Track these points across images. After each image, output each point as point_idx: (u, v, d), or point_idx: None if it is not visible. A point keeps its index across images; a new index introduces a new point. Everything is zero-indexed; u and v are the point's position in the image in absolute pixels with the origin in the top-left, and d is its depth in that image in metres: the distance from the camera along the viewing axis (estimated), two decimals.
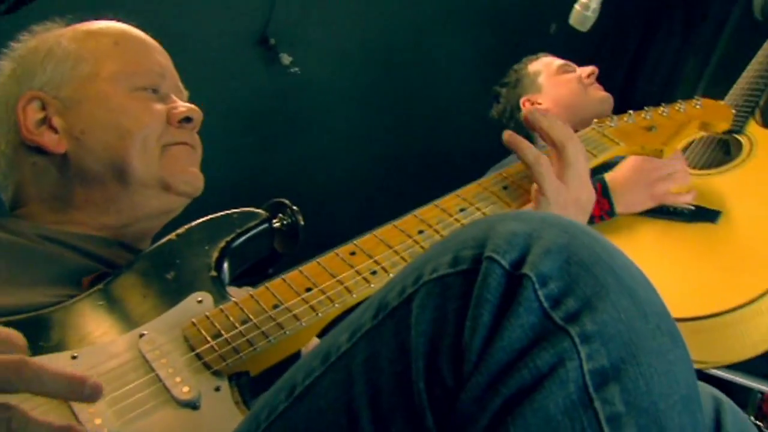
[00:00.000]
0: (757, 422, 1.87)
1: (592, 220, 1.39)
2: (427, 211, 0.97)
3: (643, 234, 1.45)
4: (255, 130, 2.63)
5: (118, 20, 1.17)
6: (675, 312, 1.14)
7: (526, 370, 0.54)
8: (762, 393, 1.86)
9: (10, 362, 0.67)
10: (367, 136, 2.91)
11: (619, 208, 1.46)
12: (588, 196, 0.98)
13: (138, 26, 1.17)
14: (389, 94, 2.90)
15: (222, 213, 0.99)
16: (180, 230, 0.98)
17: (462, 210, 0.97)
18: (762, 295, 1.28)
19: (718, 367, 1.49)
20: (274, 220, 1.00)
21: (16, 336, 0.73)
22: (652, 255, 1.41)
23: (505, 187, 1.00)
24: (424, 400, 0.57)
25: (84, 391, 0.70)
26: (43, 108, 1.07)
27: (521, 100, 2.11)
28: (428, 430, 0.57)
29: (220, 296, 0.91)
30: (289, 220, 0.99)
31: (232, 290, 1.01)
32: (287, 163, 2.74)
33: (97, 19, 1.16)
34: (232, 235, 0.97)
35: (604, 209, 1.43)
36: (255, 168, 2.66)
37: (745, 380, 1.54)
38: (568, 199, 0.96)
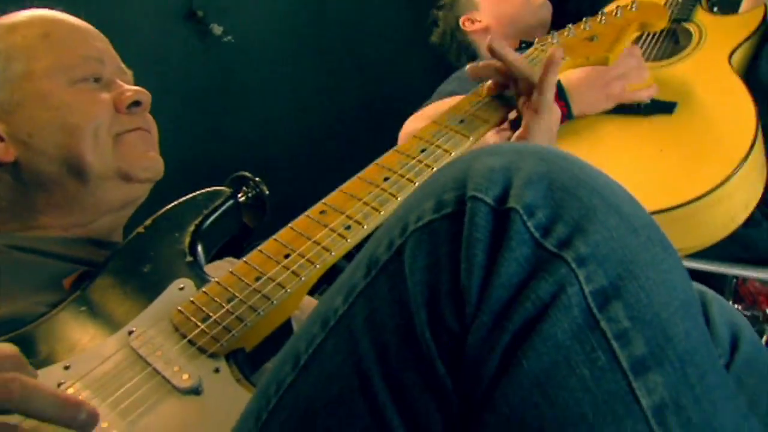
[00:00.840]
0: (737, 306, 1.92)
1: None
2: (389, 158, 0.97)
3: (603, 133, 1.46)
4: (200, 106, 2.60)
5: (43, 7, 1.11)
6: (647, 206, 1.16)
7: (529, 303, 0.54)
8: (736, 277, 1.90)
9: (2, 380, 0.64)
10: (314, 94, 2.89)
11: (575, 110, 1.46)
12: (557, 117, 0.99)
13: (64, 10, 1.11)
14: (328, 46, 2.88)
15: (186, 197, 0.98)
16: (147, 222, 0.96)
17: (423, 150, 0.97)
18: (724, 181, 1.30)
19: (690, 259, 1.51)
20: (239, 195, 0.99)
21: (10, 348, 0.69)
22: (615, 152, 1.42)
23: (461, 121, 1.00)
24: (432, 350, 0.57)
25: (79, 417, 0.67)
26: None
27: (461, 20, 2.09)
28: (441, 377, 0.57)
29: (201, 279, 0.90)
30: (254, 192, 0.99)
31: (213, 266, 1.01)
32: (238, 134, 2.71)
33: (19, 8, 1.10)
34: (200, 218, 0.96)
35: (561, 112, 1.44)
36: (207, 143, 2.63)
37: (718, 267, 1.57)
38: (551, 122, 0.99)
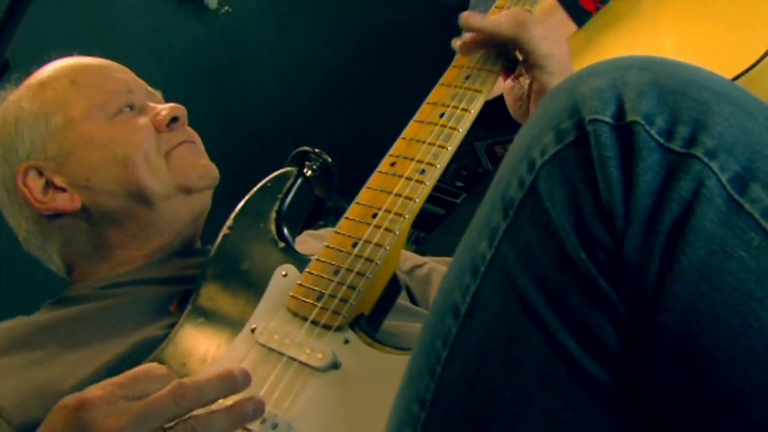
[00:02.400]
0: None
1: (590, 15, 1.38)
2: (437, 93, 0.98)
3: (644, 14, 1.43)
4: (212, 83, 2.59)
5: (61, 57, 1.15)
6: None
7: (674, 203, 0.56)
8: None
9: (171, 392, 0.71)
10: (323, 50, 2.87)
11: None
12: (562, 51, 0.99)
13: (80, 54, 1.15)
14: (326, 10, 2.84)
15: (256, 187, 1.00)
16: (228, 222, 0.98)
17: (467, 77, 0.98)
18: None
19: None
20: (305, 170, 1.00)
21: (156, 367, 0.75)
22: (668, 27, 1.40)
23: (467, 77, 1.00)
24: (591, 268, 0.59)
25: (238, 381, 0.74)
26: (41, 174, 1.07)
27: None
28: (605, 292, 0.59)
29: (300, 261, 0.93)
30: (318, 163, 1.00)
31: (305, 237, 1.03)
32: (255, 103, 2.71)
33: (43, 58, 1.14)
34: (278, 203, 0.98)
35: (588, 11, 1.41)
36: (227, 118, 2.64)
37: None
38: (563, 54, 0.99)
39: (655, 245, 0.57)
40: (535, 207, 0.62)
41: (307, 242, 1.08)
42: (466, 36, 1.03)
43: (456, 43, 1.03)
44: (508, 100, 1.08)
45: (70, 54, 1.16)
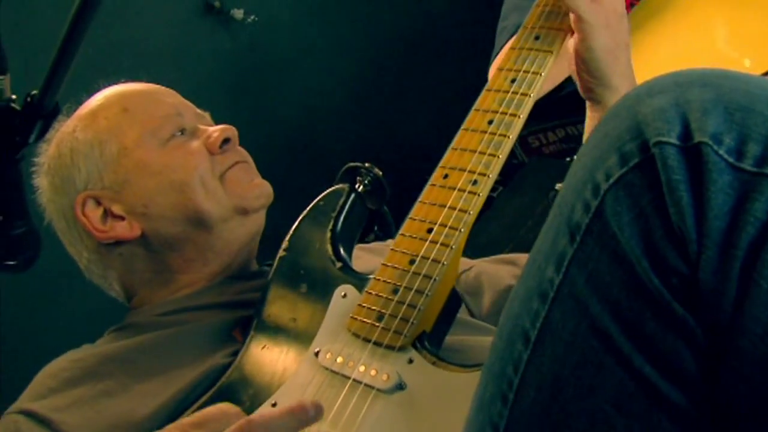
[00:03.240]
0: None
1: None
2: (484, 100, 0.97)
3: (679, 3, 1.41)
4: (245, 92, 2.61)
5: (108, 84, 1.16)
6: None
7: (749, 226, 0.55)
8: None
9: (239, 429, 0.72)
10: (353, 58, 2.86)
11: None
12: (620, 1, 0.97)
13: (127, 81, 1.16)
14: (352, 8, 2.83)
15: (309, 207, 1.00)
16: (284, 244, 0.99)
17: (513, 81, 0.96)
18: None
19: None
20: (356, 186, 1.00)
21: (228, 407, 0.78)
22: (709, 18, 1.37)
23: (536, 38, 0.99)
24: (665, 294, 0.58)
25: (309, 413, 0.76)
26: (99, 203, 1.08)
27: None
28: (680, 317, 0.58)
29: (358, 280, 0.93)
30: (369, 178, 1.00)
31: (357, 251, 1.03)
32: (289, 109, 2.71)
33: (92, 86, 1.15)
34: (332, 222, 0.98)
35: None
36: (262, 126, 2.65)
37: None
38: (608, 13, 0.96)
39: (731, 269, 0.55)
40: (602, 232, 0.61)
41: (361, 257, 1.08)
42: None
43: None
44: (567, 54, 1.06)
45: (115, 80, 1.17)
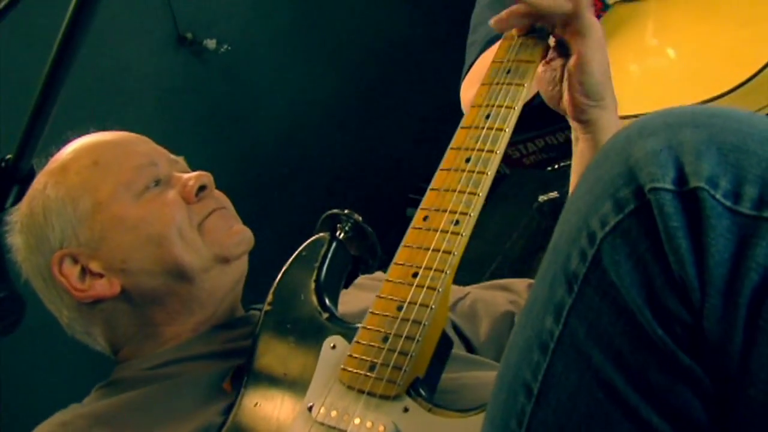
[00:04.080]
0: None
1: None
2: (460, 138, 0.96)
3: (648, 17, 1.40)
4: (222, 122, 2.61)
5: (76, 135, 1.14)
6: (731, 82, 1.12)
7: (752, 272, 0.54)
8: None
9: None
10: (328, 81, 2.87)
11: None
12: (600, 28, 0.99)
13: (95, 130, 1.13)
14: (320, 28, 2.84)
15: (291, 259, 0.99)
16: (268, 298, 0.98)
17: (488, 116, 0.96)
18: None
19: None
20: (337, 234, 0.99)
21: None
22: (677, 29, 1.37)
23: (508, 72, 0.99)
24: (669, 344, 0.57)
25: None
26: (76, 261, 1.05)
27: None
28: (686, 367, 0.57)
29: (347, 330, 0.92)
30: (349, 224, 0.99)
31: (346, 294, 1.02)
32: (266, 135, 2.72)
33: (61, 137, 1.12)
34: (315, 272, 0.97)
35: (598, 8, 1.38)
36: (239, 153, 2.65)
37: None
38: (600, 32, 0.99)
39: (736, 317, 0.55)
40: (601, 281, 0.60)
41: (348, 293, 1.07)
42: (505, 12, 1.02)
43: (494, 21, 1.02)
44: (540, 87, 1.07)
45: (85, 129, 1.14)
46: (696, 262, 0.56)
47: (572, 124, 1.08)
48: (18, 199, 0.90)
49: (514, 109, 0.95)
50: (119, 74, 2.28)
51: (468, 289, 1.22)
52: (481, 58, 1.57)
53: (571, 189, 1.09)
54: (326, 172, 2.93)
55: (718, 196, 0.55)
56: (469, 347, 1.12)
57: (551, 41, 1.02)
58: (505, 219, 2.69)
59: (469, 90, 1.59)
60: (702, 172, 0.56)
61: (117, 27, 2.21)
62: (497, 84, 0.98)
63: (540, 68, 1.04)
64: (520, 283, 1.19)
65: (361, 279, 1.19)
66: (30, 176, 0.90)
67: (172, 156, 1.15)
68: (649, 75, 1.35)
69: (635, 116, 1.25)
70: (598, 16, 1.37)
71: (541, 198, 2.01)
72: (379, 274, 1.21)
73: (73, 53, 0.79)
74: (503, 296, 1.17)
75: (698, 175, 0.56)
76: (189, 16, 2.40)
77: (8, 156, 0.85)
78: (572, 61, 1.00)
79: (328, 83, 2.89)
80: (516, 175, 2.39)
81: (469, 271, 1.27)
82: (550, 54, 1.04)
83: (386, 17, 3.00)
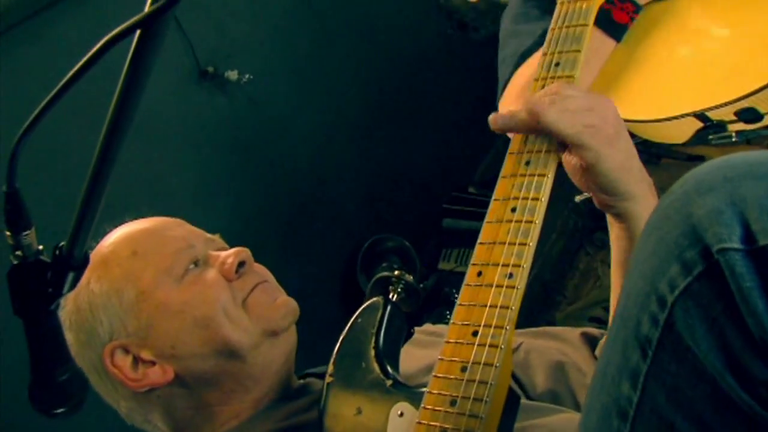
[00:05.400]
0: None
1: (626, 27, 1.33)
2: (501, 188, 0.95)
3: (686, 13, 1.36)
4: (253, 153, 2.61)
5: (111, 228, 1.14)
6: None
7: None
8: None
9: None
10: (353, 102, 2.87)
11: None
12: (612, 107, 0.95)
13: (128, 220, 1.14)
14: (339, 44, 2.84)
15: (347, 328, 0.98)
16: (329, 369, 0.97)
17: (528, 163, 0.95)
18: None
19: None
20: (390, 296, 0.99)
21: None
22: (713, 29, 1.33)
23: (527, 163, 0.95)
24: (755, 407, 0.56)
25: None
26: (127, 351, 1.06)
27: None
28: None
29: (413, 396, 0.91)
30: (401, 285, 0.99)
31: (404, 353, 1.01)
32: (298, 162, 2.72)
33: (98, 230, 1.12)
34: (373, 339, 0.96)
35: (631, 10, 1.35)
36: (264, 188, 2.65)
37: None
38: (606, 128, 0.93)
39: None
40: (676, 346, 0.59)
41: (406, 351, 1.06)
42: (503, 114, 0.98)
43: (491, 119, 0.98)
44: (568, 169, 1.03)
45: (120, 219, 1.15)
46: None
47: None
48: (73, 285, 0.89)
49: (541, 200, 0.93)
50: (145, 117, 2.28)
51: (518, 338, 1.19)
52: (516, 75, 1.55)
53: (612, 268, 1.05)
54: (360, 190, 2.92)
55: None
56: (526, 396, 1.11)
57: None
58: (543, 222, 2.69)
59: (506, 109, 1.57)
60: None
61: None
62: (519, 176, 0.94)
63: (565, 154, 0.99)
64: (572, 333, 1.17)
65: (417, 335, 1.18)
66: (85, 263, 0.90)
67: (208, 235, 1.15)
68: (698, 62, 1.31)
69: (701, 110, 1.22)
70: (631, 19, 1.35)
71: (577, 198, 1.98)
72: (428, 326, 1.20)
73: (120, 143, 0.78)
74: (555, 346, 1.16)
75: (766, 231, 0.55)
76: (208, 49, 2.40)
77: (62, 243, 0.84)
78: (580, 164, 0.95)
79: (353, 99, 2.89)
80: None
81: None
82: None
83: (408, 25, 2.99)
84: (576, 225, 2.42)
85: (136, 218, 1.16)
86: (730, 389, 0.57)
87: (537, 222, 0.91)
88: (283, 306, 1.09)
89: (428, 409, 0.87)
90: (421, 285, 2.94)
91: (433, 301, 2.90)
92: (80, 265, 0.86)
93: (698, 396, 0.58)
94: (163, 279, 1.06)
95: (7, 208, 0.78)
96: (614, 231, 1.02)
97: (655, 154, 1.72)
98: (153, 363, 1.05)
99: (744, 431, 0.57)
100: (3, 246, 0.82)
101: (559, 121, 0.92)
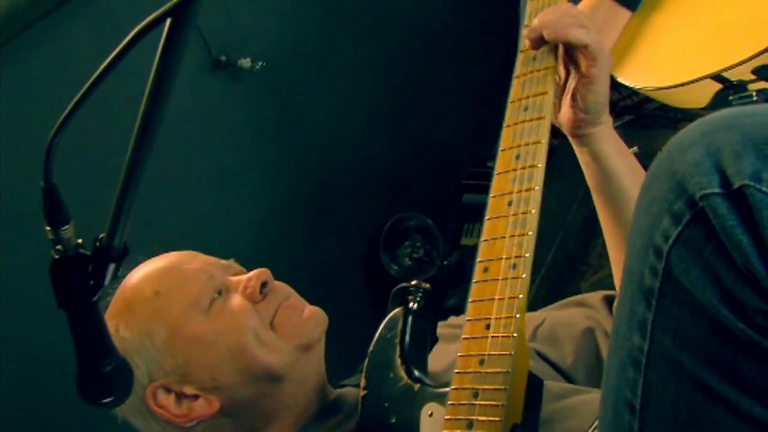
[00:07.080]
0: None
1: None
2: (498, 184, 0.99)
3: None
4: (271, 140, 2.62)
5: (126, 271, 1.15)
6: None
7: None
8: None
9: None
10: (366, 85, 2.88)
11: None
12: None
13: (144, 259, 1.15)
14: (356, 31, 2.85)
15: (373, 341, 1.02)
16: (362, 383, 1.02)
17: (517, 157, 0.99)
18: None
19: None
20: (410, 305, 1.03)
21: None
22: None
23: (525, 109, 1.01)
24: (753, 335, 0.60)
25: None
26: (169, 390, 1.08)
27: None
28: None
29: (439, 396, 0.95)
30: (420, 294, 1.03)
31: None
32: (315, 148, 2.73)
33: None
34: (398, 348, 1.01)
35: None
36: (285, 174, 2.65)
37: None
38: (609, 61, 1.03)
39: None
40: (676, 291, 0.63)
41: (439, 348, 1.10)
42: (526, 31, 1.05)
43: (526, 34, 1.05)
44: (560, 87, 1.09)
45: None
46: (759, 253, 0.59)
47: (569, 138, 1.11)
48: (114, 276, 0.87)
49: (542, 143, 0.98)
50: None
51: (543, 314, 1.23)
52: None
53: (593, 196, 1.14)
54: (379, 171, 2.93)
55: (764, 189, 0.59)
56: (558, 371, 1.14)
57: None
58: (562, 191, 2.68)
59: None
60: (744, 170, 0.60)
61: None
62: (519, 123, 1.00)
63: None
64: (594, 297, 1.20)
65: (440, 329, 1.21)
66: (124, 253, 0.90)
67: (223, 261, 1.17)
68: (711, 24, 1.32)
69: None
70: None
71: None
72: (452, 319, 1.24)
73: (155, 131, 0.80)
74: (580, 313, 1.18)
75: (741, 173, 0.60)
76: (220, 38, 2.39)
77: (101, 235, 0.84)
78: (580, 78, 1.03)
79: (367, 79, 2.88)
80: (566, 147, 2.40)
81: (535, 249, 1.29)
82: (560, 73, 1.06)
83: (418, 5, 2.99)
84: None
85: (147, 258, 1.16)
86: (728, 321, 0.61)
87: (533, 212, 0.95)
88: (312, 317, 1.11)
89: (455, 404, 0.91)
90: (445, 262, 2.96)
91: (458, 277, 2.92)
92: (120, 255, 0.85)
93: (701, 334, 0.63)
94: (191, 313, 1.08)
95: (45, 204, 0.79)
96: (583, 158, 1.11)
97: (673, 119, 1.74)
98: (197, 397, 1.07)
99: (744, 358, 0.61)
100: (42, 242, 0.83)
101: (586, 34, 1.00)
